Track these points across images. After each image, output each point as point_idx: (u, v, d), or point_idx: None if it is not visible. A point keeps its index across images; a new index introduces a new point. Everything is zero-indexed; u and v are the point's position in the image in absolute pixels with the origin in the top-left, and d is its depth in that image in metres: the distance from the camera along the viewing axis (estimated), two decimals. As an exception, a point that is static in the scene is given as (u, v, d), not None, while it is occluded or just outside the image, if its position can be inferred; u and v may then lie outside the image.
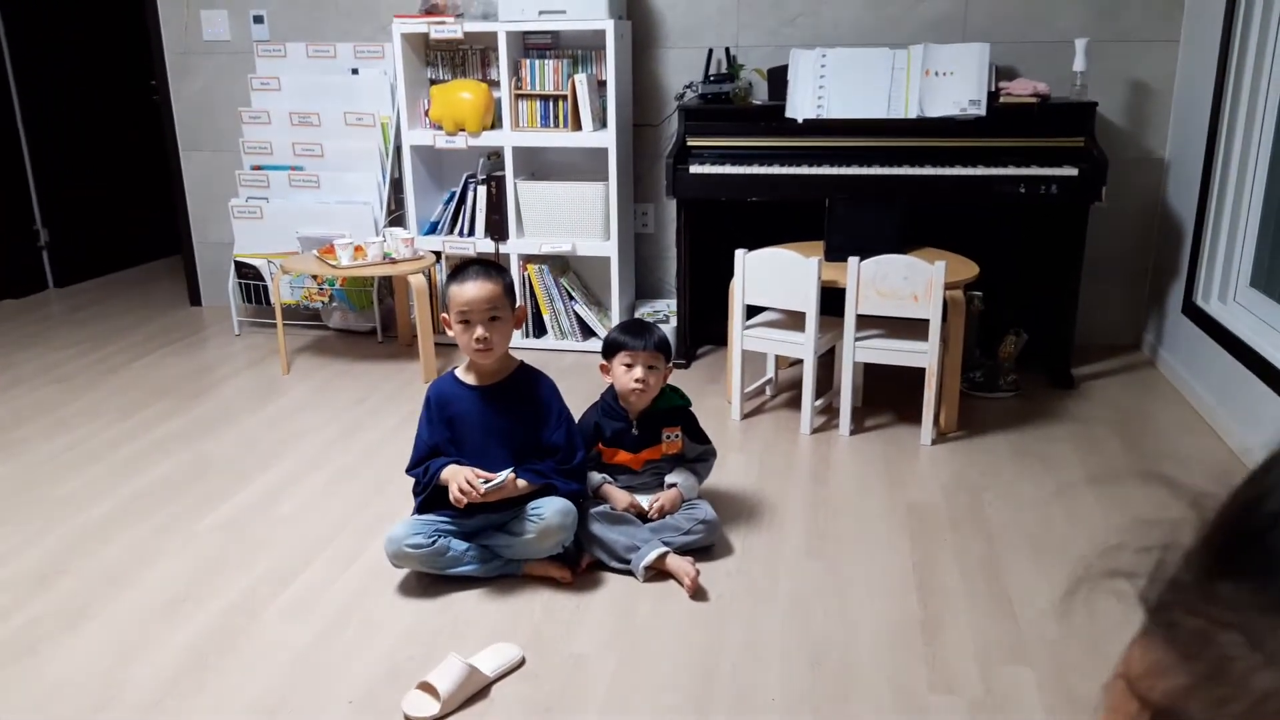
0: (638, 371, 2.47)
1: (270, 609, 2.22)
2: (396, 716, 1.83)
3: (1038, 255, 3.72)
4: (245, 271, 4.33)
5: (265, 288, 4.31)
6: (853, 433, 3.19)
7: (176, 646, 2.08)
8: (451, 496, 2.23)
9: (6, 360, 4.03)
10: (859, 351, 3.09)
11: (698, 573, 2.27)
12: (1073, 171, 3.33)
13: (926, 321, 2.98)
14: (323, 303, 4.29)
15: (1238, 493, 0.31)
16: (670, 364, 2.56)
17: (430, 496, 2.32)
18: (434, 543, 2.25)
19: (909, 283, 2.97)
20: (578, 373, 3.59)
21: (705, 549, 2.43)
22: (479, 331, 2.26)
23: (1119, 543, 0.32)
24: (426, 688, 1.85)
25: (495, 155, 4.05)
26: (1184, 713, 0.28)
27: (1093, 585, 0.33)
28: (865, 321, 3.09)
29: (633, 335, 2.51)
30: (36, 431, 3.26)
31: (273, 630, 2.13)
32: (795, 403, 3.39)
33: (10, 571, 2.39)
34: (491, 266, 2.34)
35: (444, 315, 2.34)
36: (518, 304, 2.41)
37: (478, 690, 1.89)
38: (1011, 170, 3.37)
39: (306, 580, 2.33)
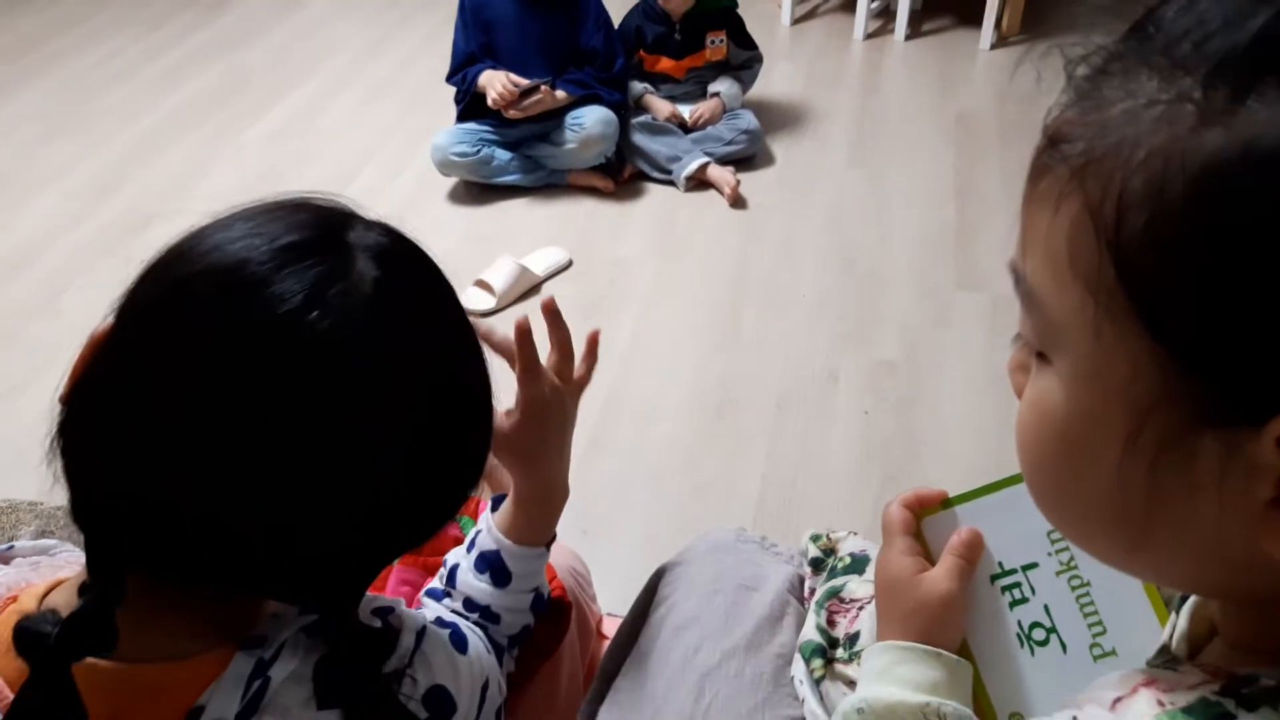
0: (680, -33, 2.31)
1: (327, 216, 2.31)
2: (455, 310, 1.98)
3: None
4: None
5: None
6: (908, 38, 3.02)
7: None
8: (490, 101, 2.21)
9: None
10: (923, -56, 2.83)
11: (738, 182, 2.29)
12: None
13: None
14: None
15: None
16: (716, -40, 2.38)
17: (472, 105, 2.30)
18: (479, 151, 2.28)
19: None
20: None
21: (747, 159, 2.42)
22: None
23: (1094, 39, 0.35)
24: (483, 285, 1.98)
25: None
26: (1066, 137, 0.34)
27: (1040, 56, 0.38)
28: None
29: (675, -74, 2.32)
30: (70, 45, 3.20)
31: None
32: (850, 6, 3.17)
33: (75, 183, 2.48)
34: None
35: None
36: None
37: (530, 288, 2.02)
38: None
39: (358, 189, 2.40)
